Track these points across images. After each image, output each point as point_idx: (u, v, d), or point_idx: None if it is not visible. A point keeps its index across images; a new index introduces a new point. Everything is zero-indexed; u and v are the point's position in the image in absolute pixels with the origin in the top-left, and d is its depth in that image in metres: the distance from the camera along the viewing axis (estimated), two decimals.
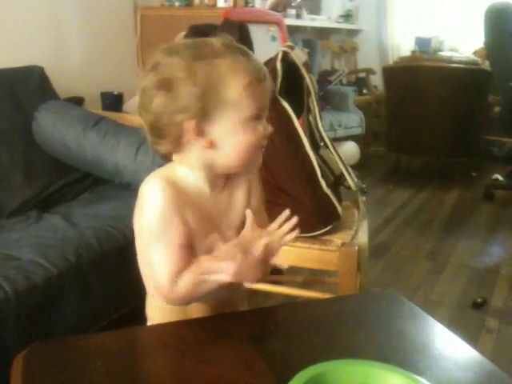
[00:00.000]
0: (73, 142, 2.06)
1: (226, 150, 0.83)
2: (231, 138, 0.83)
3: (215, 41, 0.83)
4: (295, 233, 0.83)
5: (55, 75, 2.32)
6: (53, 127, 2.05)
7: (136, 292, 1.65)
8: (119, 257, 1.56)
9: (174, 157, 0.87)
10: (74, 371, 0.77)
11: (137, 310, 1.68)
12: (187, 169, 0.86)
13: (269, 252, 0.83)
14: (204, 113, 0.80)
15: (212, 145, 0.83)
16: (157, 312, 0.97)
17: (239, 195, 0.92)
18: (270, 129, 0.86)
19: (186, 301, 0.87)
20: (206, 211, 0.87)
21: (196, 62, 0.80)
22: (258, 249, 0.81)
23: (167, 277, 0.83)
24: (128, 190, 2.07)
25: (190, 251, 0.85)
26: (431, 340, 0.92)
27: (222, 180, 0.89)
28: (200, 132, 0.81)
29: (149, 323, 1.00)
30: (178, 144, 0.84)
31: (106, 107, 2.59)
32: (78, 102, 2.44)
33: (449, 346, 0.89)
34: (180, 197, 0.84)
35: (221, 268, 0.80)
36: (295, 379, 0.65)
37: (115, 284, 1.56)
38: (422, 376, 0.69)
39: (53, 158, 2.06)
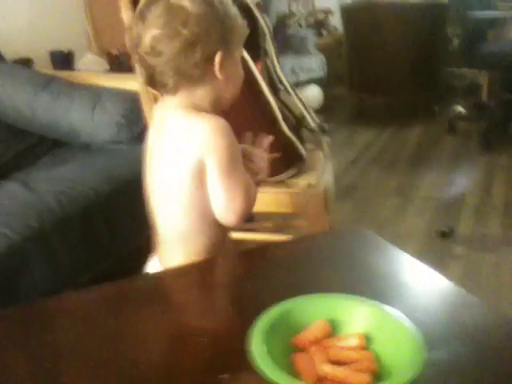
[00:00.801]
0: (24, 105, 1.98)
1: (232, 83, 0.92)
2: (236, 71, 0.93)
3: None
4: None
5: None
6: (1, 92, 1.96)
7: (105, 252, 1.65)
8: (83, 218, 1.54)
9: (182, 99, 0.90)
10: (42, 334, 0.76)
11: (108, 270, 1.67)
12: (196, 109, 0.90)
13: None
14: (228, 48, 0.88)
15: (227, 77, 0.90)
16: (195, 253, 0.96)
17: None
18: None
19: (247, 215, 0.95)
20: None
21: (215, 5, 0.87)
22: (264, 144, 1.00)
23: (242, 200, 0.91)
24: (87, 150, 2.02)
25: None
26: (399, 270, 0.93)
27: None
28: (222, 65, 0.88)
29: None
30: (195, 81, 0.88)
31: (56, 67, 2.48)
32: (26, 63, 2.33)
33: (416, 275, 0.91)
34: None
35: (259, 168, 0.98)
36: (261, 319, 0.65)
37: (82, 246, 1.53)
38: (390, 304, 0.69)
39: (5, 124, 1.98)
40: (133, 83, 1.65)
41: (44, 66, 2.47)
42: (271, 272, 0.91)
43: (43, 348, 0.72)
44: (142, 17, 0.87)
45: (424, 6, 3.84)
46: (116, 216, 1.68)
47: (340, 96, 4.61)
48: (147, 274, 1.03)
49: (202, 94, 0.90)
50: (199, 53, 0.86)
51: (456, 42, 3.98)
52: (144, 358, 0.69)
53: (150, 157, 0.97)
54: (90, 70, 2.48)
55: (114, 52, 2.67)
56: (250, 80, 1.48)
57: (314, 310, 0.68)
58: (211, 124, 0.87)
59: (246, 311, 0.75)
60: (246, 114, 1.48)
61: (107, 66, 2.59)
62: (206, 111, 0.90)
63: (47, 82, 2.02)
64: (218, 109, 0.93)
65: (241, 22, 0.93)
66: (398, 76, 3.96)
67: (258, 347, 0.61)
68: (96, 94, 2.03)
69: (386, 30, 3.85)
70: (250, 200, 0.93)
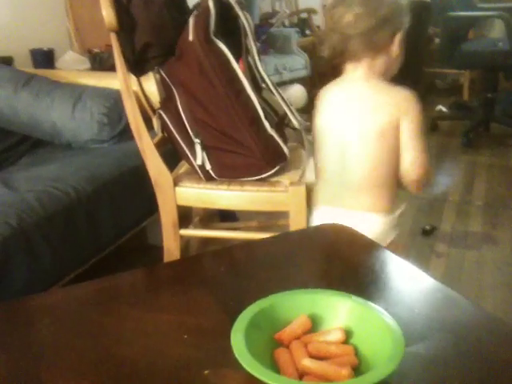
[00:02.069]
0: (4, 104, 1.96)
1: (399, 59, 1.14)
2: (402, 50, 1.13)
3: None
4: None
5: None
6: None
7: (87, 252, 1.63)
8: (65, 217, 1.52)
9: (365, 70, 1.14)
10: (24, 332, 0.75)
11: (91, 269, 1.66)
12: (364, 79, 1.14)
13: None
14: (403, 29, 1.11)
15: (398, 54, 1.13)
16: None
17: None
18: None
19: (425, 179, 1.15)
20: None
21: None
22: None
23: (425, 159, 1.11)
24: (69, 149, 2.00)
25: None
26: (380, 266, 0.93)
27: None
28: (399, 43, 1.12)
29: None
30: (377, 53, 1.12)
31: (37, 65, 2.45)
32: (6, 61, 2.30)
33: (398, 270, 0.91)
34: None
35: None
36: (243, 314, 0.65)
37: (64, 246, 1.52)
38: (371, 299, 0.70)
39: None
40: (114, 81, 1.64)
41: (24, 64, 2.44)
42: (253, 268, 0.91)
43: (24, 346, 0.72)
44: (342, 1, 1.13)
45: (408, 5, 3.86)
46: (98, 215, 1.66)
47: None
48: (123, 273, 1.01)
49: (379, 65, 1.13)
50: (387, 30, 1.09)
51: (437, 41, 4.02)
52: (127, 355, 0.69)
53: (338, 123, 1.19)
54: (71, 68, 2.46)
55: (95, 50, 2.65)
56: (232, 78, 1.48)
57: (295, 305, 0.68)
58: (406, 93, 1.11)
59: (229, 307, 0.75)
60: (228, 112, 1.48)
61: (88, 65, 2.57)
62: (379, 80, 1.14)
63: (27, 80, 1.99)
64: (386, 80, 1.15)
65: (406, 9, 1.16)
66: None
67: (238, 343, 0.61)
68: (77, 92, 2.01)
69: None
70: (428, 165, 1.13)
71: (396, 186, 1.17)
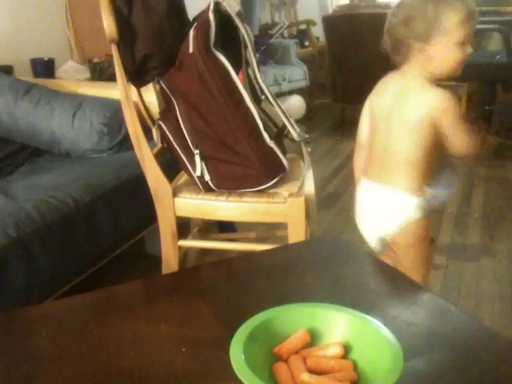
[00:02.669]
0: (4, 112, 1.96)
1: (441, 62, 1.25)
2: (446, 54, 1.24)
3: None
4: None
5: None
6: None
7: (86, 261, 1.63)
8: (64, 226, 1.52)
9: (414, 67, 1.29)
10: (21, 342, 0.75)
11: (90, 279, 1.66)
12: (412, 75, 1.30)
13: None
14: (426, 39, 1.24)
15: (429, 59, 1.26)
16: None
17: None
18: (470, 50, 1.27)
19: (477, 149, 1.34)
20: None
21: (427, 4, 1.23)
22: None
23: (471, 143, 1.31)
24: (68, 159, 2.00)
25: None
26: (379, 279, 0.94)
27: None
28: (421, 50, 1.25)
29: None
30: (407, 57, 1.29)
31: (37, 74, 2.46)
32: (6, 70, 2.31)
33: (396, 285, 0.91)
34: None
35: None
36: (242, 328, 0.64)
37: (62, 255, 1.51)
38: (369, 313, 0.70)
39: None
40: (114, 91, 1.64)
41: (25, 73, 2.45)
42: (251, 280, 0.90)
43: (21, 357, 0.71)
44: (398, 5, 1.31)
45: None
46: (97, 225, 1.66)
47: (323, 106, 4.65)
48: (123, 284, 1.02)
49: (426, 65, 1.27)
50: (431, 33, 1.23)
51: None
52: (124, 367, 0.68)
53: (386, 110, 1.35)
54: (71, 77, 2.47)
55: (96, 60, 2.67)
56: (231, 89, 1.48)
57: (294, 319, 0.68)
58: (442, 93, 1.25)
59: (227, 320, 0.75)
60: (227, 123, 1.48)
61: (88, 74, 2.57)
62: (426, 78, 1.28)
63: (27, 90, 2.00)
64: (430, 79, 1.29)
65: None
66: None
67: (237, 357, 0.60)
68: (77, 101, 2.02)
69: (367, 41, 3.88)
70: (472, 143, 1.31)
71: (427, 172, 1.35)
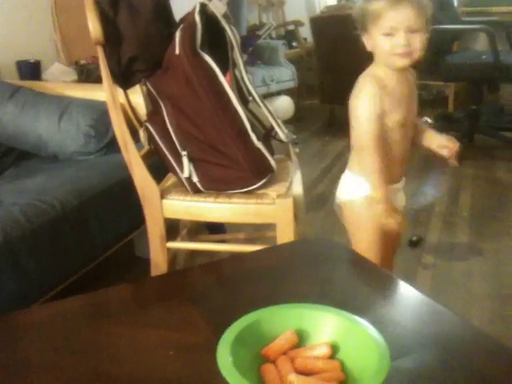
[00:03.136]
0: None
1: (378, 52, 1.31)
2: (377, 45, 1.30)
3: None
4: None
5: None
6: None
7: (74, 265, 1.62)
8: (51, 230, 1.50)
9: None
10: (11, 348, 0.74)
11: (78, 283, 1.64)
12: (377, 66, 1.34)
13: None
14: (364, 29, 1.31)
15: (372, 50, 1.32)
16: None
17: (414, 90, 1.41)
18: (400, 43, 1.25)
19: None
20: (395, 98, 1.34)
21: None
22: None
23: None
24: (55, 161, 1.99)
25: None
26: (367, 280, 0.94)
27: (397, 76, 1.34)
28: (367, 42, 1.33)
29: None
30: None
31: (23, 76, 2.44)
32: None
33: (384, 284, 0.91)
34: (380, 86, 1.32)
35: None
36: (229, 330, 0.64)
37: (50, 259, 1.50)
38: (357, 314, 0.70)
39: None
40: (101, 93, 1.63)
41: (11, 76, 2.43)
42: (240, 283, 0.90)
43: (11, 362, 0.71)
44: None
45: None
46: (85, 228, 1.65)
47: (312, 107, 4.66)
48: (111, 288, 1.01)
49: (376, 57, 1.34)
50: (364, 23, 1.31)
51: (423, 53, 4.06)
52: (113, 372, 0.68)
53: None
54: (58, 79, 2.45)
55: (82, 62, 2.65)
56: (218, 91, 1.48)
57: (281, 320, 0.68)
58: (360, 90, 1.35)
59: (216, 323, 0.74)
60: (215, 125, 1.48)
61: (75, 76, 2.56)
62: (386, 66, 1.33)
63: (12, 93, 1.98)
64: (390, 69, 1.33)
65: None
66: None
67: (225, 359, 0.60)
68: (63, 104, 2.00)
69: (355, 42, 3.90)
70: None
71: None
